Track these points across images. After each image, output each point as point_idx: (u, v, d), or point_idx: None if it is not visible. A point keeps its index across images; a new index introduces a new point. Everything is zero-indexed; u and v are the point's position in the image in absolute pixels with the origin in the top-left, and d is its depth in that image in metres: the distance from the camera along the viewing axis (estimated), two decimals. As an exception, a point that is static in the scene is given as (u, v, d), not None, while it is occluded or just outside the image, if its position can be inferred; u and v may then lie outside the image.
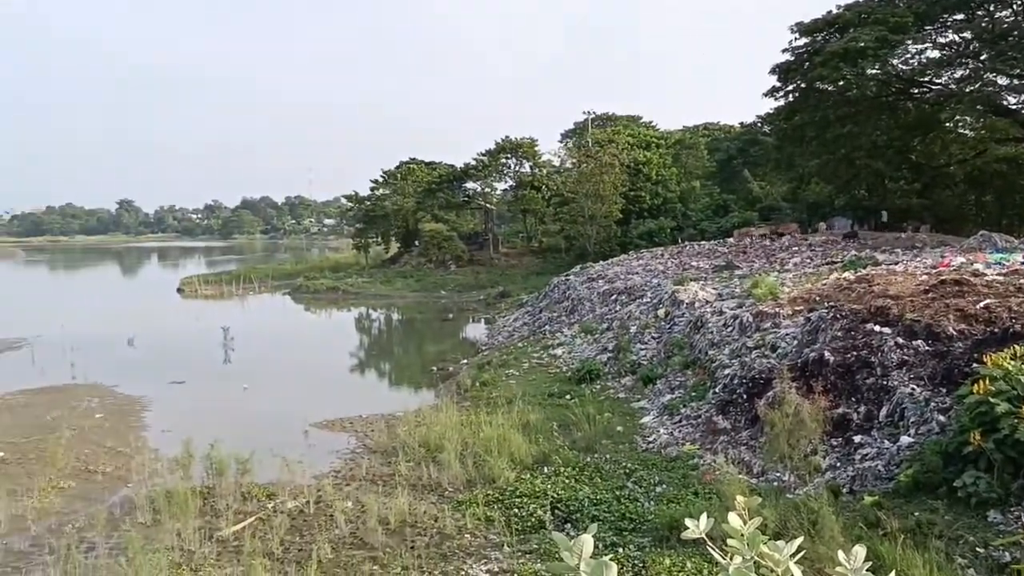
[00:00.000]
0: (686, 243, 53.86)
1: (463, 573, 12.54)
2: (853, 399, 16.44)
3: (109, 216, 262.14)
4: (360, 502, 15.67)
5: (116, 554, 13.60)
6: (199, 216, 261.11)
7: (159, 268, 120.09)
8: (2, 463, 19.64)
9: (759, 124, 69.28)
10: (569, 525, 13.78)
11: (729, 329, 23.92)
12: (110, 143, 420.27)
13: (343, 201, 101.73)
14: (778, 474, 14.99)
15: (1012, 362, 13.28)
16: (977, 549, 10.78)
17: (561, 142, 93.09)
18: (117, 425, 23.66)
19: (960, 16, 41.36)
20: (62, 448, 20.09)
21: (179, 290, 69.76)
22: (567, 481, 15.91)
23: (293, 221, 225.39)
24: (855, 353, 17.40)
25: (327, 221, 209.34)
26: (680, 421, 19.84)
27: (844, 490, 13.85)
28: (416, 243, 78.31)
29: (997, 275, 21.21)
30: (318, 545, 13.41)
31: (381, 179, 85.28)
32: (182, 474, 17.70)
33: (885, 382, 16.18)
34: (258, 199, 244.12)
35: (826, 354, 17.86)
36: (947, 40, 42.09)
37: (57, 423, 23.32)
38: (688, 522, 2.21)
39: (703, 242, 52.86)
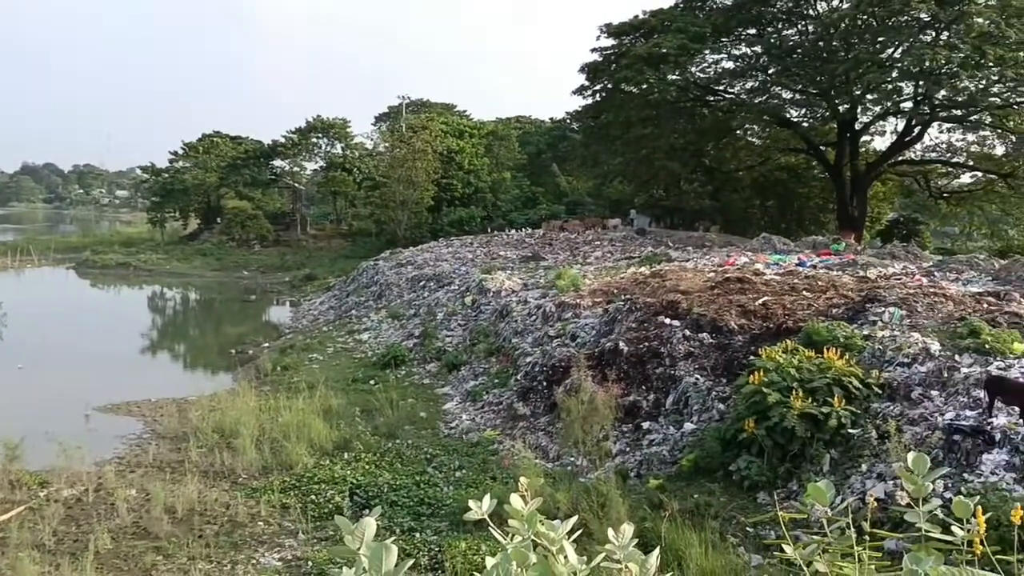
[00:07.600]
0: (495, 233, 54.67)
1: (254, 562, 12.20)
2: (643, 387, 17.32)
3: None
4: (145, 490, 14.89)
5: None
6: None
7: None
8: None
9: (568, 120, 71.34)
10: (368, 511, 13.67)
11: (533, 318, 24.55)
12: None
13: (138, 172, 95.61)
14: (572, 459, 15.56)
15: (783, 355, 14.43)
16: (747, 529, 11.65)
17: (375, 125, 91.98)
18: None
19: (752, 31, 44.32)
20: None
21: (-59, 260, 63.26)
22: (367, 467, 15.81)
23: (81, 191, 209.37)
24: (647, 344, 18.33)
25: (120, 193, 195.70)
26: (482, 407, 20.19)
27: (632, 474, 14.59)
28: (218, 220, 74.79)
29: (775, 275, 22.97)
30: (96, 535, 12.61)
31: (181, 151, 79.99)
32: (-62, 461, 16.10)
33: (673, 372, 17.16)
34: (41, 165, 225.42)
35: (621, 344, 18.71)
36: (740, 53, 44.99)
37: None
38: (471, 504, 2.25)
39: (512, 232, 53.89)
